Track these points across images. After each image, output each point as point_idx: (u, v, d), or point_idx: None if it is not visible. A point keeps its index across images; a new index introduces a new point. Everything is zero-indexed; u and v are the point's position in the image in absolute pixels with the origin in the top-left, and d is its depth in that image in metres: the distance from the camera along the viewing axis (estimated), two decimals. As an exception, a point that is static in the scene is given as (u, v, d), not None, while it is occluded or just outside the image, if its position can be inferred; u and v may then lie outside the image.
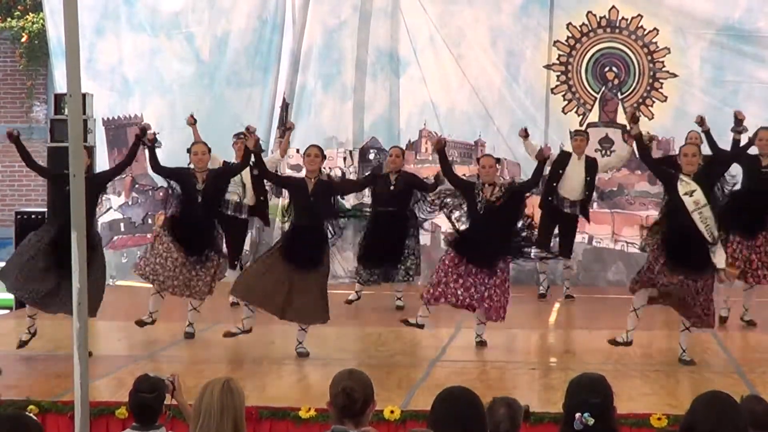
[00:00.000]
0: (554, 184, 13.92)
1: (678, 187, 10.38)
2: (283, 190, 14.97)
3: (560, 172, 13.88)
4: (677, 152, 11.47)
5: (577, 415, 5.16)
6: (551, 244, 13.87)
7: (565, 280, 14.63)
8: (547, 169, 13.15)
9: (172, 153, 16.60)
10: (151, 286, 11.68)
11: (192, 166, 11.73)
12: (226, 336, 11.11)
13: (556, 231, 14.21)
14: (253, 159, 11.37)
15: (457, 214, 11.54)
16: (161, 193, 16.69)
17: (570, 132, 15.02)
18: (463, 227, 11.44)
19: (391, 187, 13.48)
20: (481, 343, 11.33)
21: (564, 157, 13.96)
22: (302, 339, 10.96)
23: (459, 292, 11.00)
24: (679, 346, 10.67)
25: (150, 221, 16.89)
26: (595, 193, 14.87)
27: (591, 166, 14.10)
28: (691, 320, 10.53)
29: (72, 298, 6.13)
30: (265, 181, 13.40)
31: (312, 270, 10.80)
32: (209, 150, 11.97)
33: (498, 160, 11.71)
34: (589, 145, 14.61)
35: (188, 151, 12.01)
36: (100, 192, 11.79)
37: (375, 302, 14.00)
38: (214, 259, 11.58)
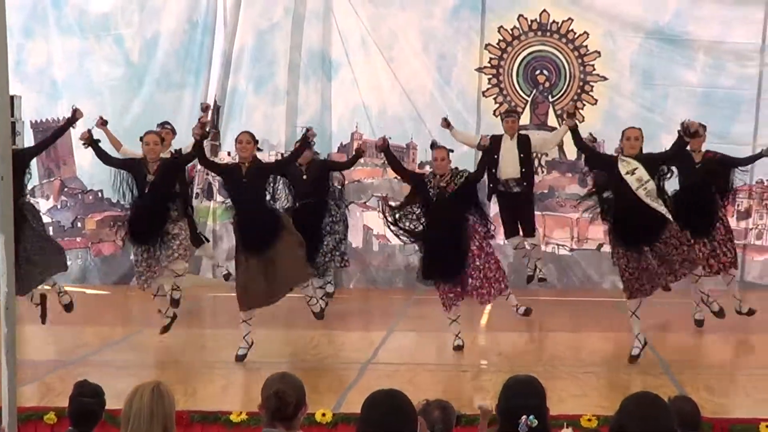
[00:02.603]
0: (493, 171, 13.89)
1: (619, 168, 10.51)
2: (215, 192, 14.96)
3: (495, 157, 13.85)
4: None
5: (524, 417, 5.18)
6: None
7: (537, 260, 14.39)
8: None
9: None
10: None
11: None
12: (238, 360, 11.04)
13: (502, 242, 14.38)
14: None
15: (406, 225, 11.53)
16: (91, 197, 16.58)
17: (501, 114, 14.96)
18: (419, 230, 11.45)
19: (304, 177, 13.36)
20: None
21: (496, 142, 13.85)
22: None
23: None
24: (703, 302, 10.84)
25: (80, 225, 16.76)
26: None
27: (524, 143, 13.98)
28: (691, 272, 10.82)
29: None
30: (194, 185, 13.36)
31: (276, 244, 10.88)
32: (162, 140, 11.88)
33: (450, 152, 11.74)
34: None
35: (141, 139, 11.86)
36: (25, 169, 11.70)
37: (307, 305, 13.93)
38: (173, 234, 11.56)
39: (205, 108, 12.44)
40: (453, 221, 11.19)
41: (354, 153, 13.90)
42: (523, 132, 14.42)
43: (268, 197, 11.28)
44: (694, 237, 11.84)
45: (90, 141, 11.71)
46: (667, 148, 11.34)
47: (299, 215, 12.79)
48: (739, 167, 12.77)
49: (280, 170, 12.05)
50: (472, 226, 11.33)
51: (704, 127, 12.41)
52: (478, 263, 11.17)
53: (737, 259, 12.86)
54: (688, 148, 12.19)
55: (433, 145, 12.08)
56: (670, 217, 10.58)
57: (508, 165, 13.93)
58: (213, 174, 15.64)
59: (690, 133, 10.85)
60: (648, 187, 10.48)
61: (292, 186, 13.23)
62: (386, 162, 12.13)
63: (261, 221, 10.92)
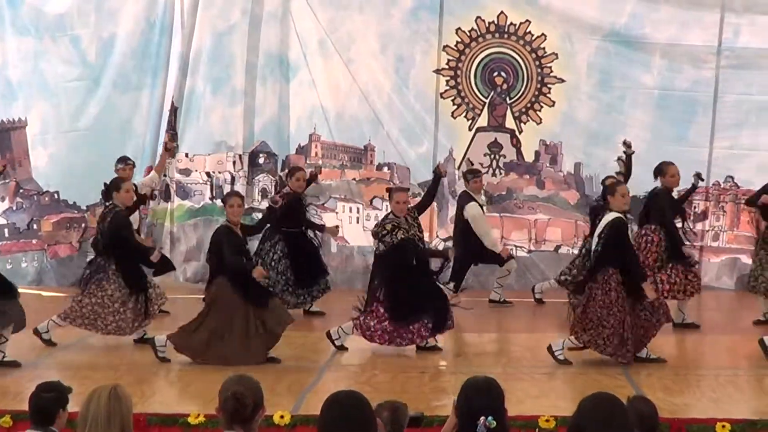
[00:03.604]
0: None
1: None
2: (173, 194, 15.00)
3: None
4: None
5: (482, 419, 5.18)
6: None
7: (499, 287, 14.63)
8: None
9: (57, 157, 16.45)
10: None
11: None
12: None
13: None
14: None
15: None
16: (47, 198, 16.47)
17: (464, 174, 14.86)
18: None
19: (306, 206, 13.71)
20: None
21: (469, 201, 14.07)
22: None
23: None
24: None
25: (35, 226, 16.63)
26: (484, 197, 14.98)
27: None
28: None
29: None
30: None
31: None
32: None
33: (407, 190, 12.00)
34: (478, 151, 14.87)
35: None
36: None
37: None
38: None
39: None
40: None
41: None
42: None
43: None
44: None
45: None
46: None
47: (300, 242, 13.47)
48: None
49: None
50: None
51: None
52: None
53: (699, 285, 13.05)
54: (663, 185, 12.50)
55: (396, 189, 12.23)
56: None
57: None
58: (170, 175, 15.67)
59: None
60: None
61: (298, 216, 13.53)
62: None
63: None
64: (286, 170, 14.67)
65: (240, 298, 10.76)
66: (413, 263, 11.27)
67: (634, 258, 10.86)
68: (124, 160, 13.51)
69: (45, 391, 6.20)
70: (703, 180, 13.40)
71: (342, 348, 11.38)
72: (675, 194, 12.97)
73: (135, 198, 12.17)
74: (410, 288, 11.14)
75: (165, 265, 12.70)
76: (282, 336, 11.06)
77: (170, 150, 13.89)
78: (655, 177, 12.65)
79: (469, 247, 14.11)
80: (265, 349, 10.87)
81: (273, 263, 13.13)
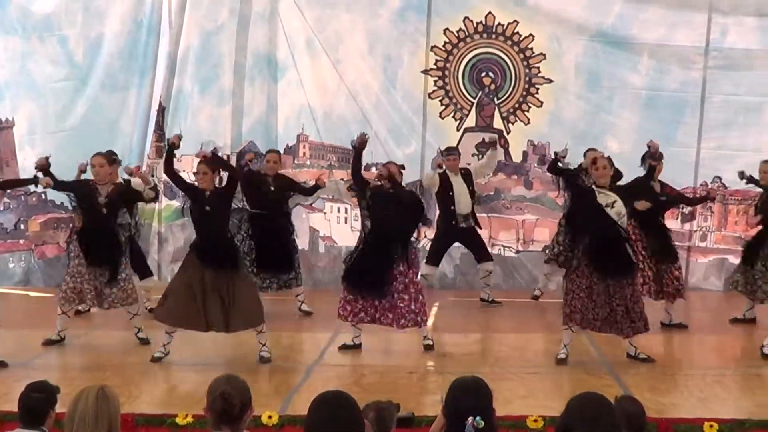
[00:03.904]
0: (452, 207, 14.08)
1: (598, 199, 10.58)
2: (160, 194, 14.95)
3: (450, 194, 14.02)
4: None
5: (470, 419, 5.18)
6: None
7: (486, 286, 14.60)
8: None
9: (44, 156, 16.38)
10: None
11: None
12: (153, 361, 10.97)
13: (457, 244, 14.68)
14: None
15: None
16: (35, 199, 16.44)
17: (440, 152, 15.00)
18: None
19: (271, 188, 13.50)
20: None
21: (447, 179, 14.06)
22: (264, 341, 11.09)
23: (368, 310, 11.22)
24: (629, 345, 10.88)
25: (23, 227, 16.60)
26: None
27: (468, 176, 14.28)
28: (625, 332, 10.75)
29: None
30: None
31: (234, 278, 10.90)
32: (110, 162, 11.90)
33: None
34: (466, 151, 14.86)
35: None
36: None
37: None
38: (120, 273, 11.62)
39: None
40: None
41: (315, 183, 14.08)
42: (462, 166, 14.51)
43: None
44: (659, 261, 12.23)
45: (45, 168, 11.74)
46: (641, 176, 11.65)
47: (268, 226, 13.34)
48: (684, 205, 13.21)
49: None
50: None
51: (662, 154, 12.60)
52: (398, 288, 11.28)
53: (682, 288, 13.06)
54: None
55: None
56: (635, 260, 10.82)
57: (462, 200, 14.08)
58: (158, 176, 15.63)
59: (657, 156, 11.12)
60: (623, 222, 10.64)
61: (256, 195, 13.39)
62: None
63: (222, 247, 10.93)
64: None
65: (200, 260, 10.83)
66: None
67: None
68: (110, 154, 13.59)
69: (35, 391, 6.20)
70: (744, 179, 13.30)
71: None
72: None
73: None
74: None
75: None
76: (270, 336, 11.06)
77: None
78: (643, 162, 12.61)
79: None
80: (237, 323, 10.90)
81: (238, 242, 13.14)
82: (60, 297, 11.61)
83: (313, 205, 16.33)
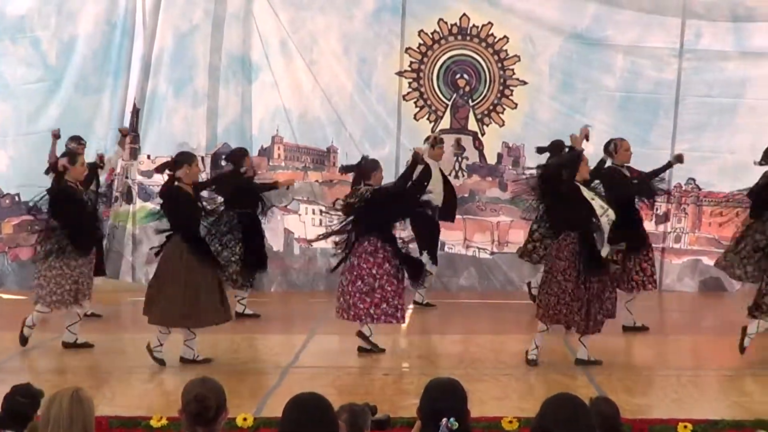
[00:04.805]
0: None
1: (583, 193, 10.61)
2: (134, 196, 14.91)
3: (425, 184, 13.97)
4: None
5: (444, 420, 5.18)
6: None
7: (423, 288, 14.50)
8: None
9: (17, 159, 16.33)
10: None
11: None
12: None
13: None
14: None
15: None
16: (8, 201, 16.35)
17: (432, 138, 14.77)
18: None
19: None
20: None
21: (428, 169, 13.97)
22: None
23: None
24: (533, 344, 10.85)
25: (-4, 228, 16.53)
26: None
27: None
28: (582, 327, 10.76)
29: None
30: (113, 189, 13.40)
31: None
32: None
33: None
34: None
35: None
36: None
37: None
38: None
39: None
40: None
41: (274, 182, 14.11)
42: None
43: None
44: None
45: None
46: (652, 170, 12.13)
47: (253, 225, 13.35)
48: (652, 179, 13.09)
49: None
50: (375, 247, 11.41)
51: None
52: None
53: (654, 278, 13.03)
54: (613, 163, 12.40)
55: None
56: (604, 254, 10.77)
57: (437, 191, 14.06)
58: (132, 177, 15.63)
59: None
60: (609, 215, 10.61)
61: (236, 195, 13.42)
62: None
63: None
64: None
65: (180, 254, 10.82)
66: None
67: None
68: (77, 139, 13.56)
69: (21, 395, 6.21)
70: (682, 162, 13.38)
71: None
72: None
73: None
74: None
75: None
76: (245, 338, 11.05)
77: (125, 135, 13.84)
78: (607, 154, 12.60)
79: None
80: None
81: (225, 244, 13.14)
82: (54, 301, 11.53)
83: (288, 206, 16.30)
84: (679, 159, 13.31)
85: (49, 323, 11.81)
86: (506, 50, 16.45)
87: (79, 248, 11.45)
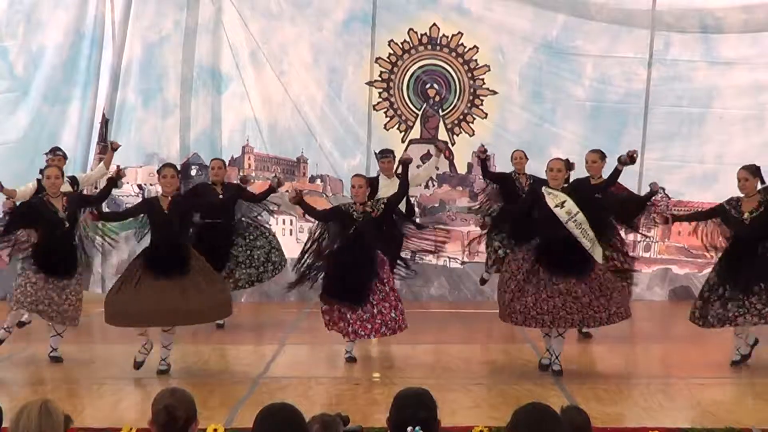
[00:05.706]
0: None
1: (547, 200, 10.55)
2: (103, 206, 14.83)
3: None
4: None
5: (409, 429, 5.16)
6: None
7: None
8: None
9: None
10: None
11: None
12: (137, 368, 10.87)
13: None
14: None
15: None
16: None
17: (375, 153, 14.78)
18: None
19: (220, 196, 13.42)
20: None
21: (374, 182, 13.85)
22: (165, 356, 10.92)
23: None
24: (551, 353, 10.85)
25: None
26: (417, 209, 14.98)
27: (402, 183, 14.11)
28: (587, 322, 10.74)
29: None
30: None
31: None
32: (61, 171, 11.75)
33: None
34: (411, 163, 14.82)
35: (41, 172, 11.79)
36: None
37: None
38: (79, 282, 11.42)
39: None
40: (369, 247, 11.24)
41: (267, 188, 14.01)
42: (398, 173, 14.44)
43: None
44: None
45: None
46: (605, 178, 11.56)
47: (209, 234, 13.03)
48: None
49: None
50: (381, 257, 11.39)
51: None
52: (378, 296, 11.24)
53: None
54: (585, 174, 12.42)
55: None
56: (597, 258, 10.70)
57: None
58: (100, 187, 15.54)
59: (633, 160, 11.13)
60: (578, 219, 10.56)
61: (205, 205, 13.25)
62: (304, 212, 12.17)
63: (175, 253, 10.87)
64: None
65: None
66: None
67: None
68: (53, 151, 13.46)
69: None
70: (633, 163, 13.07)
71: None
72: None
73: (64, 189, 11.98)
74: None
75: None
76: (215, 349, 11.00)
77: (115, 149, 13.66)
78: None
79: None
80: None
81: None
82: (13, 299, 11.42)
83: (258, 217, 16.25)
84: (632, 159, 12.52)
85: (17, 334, 11.73)
86: (476, 60, 16.49)
87: (40, 267, 11.27)
